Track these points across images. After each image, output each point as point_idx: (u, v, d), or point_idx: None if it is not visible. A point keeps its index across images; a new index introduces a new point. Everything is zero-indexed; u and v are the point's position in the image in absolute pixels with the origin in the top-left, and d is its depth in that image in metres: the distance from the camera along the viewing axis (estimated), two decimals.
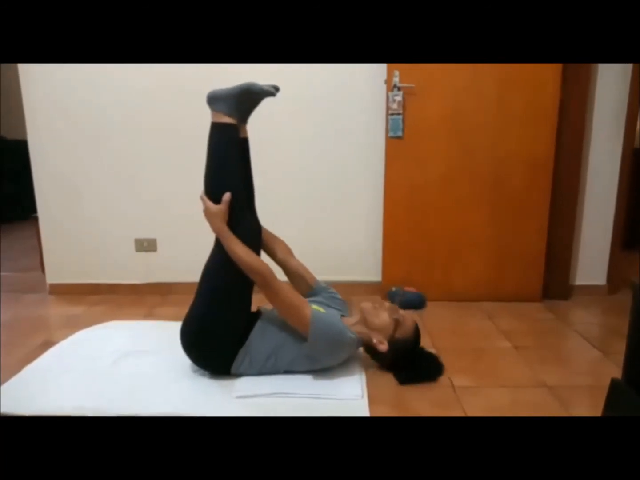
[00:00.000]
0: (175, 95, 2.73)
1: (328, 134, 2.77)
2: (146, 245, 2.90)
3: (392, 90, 2.53)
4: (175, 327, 1.85)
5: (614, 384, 1.23)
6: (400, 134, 2.59)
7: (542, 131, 2.59)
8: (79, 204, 2.86)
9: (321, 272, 2.68)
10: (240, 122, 1.84)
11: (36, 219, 2.92)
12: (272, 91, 1.80)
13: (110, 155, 2.81)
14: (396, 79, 2.52)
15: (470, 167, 2.64)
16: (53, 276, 2.95)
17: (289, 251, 2.12)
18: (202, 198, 1.77)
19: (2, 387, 1.75)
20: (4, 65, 5.08)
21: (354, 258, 2.89)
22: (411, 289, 2.67)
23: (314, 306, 1.86)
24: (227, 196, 1.72)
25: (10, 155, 4.90)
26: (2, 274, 3.24)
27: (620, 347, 1.26)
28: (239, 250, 1.70)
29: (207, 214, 1.75)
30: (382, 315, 1.86)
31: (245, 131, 1.91)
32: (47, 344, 2.15)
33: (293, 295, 1.76)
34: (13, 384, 1.78)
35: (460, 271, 2.75)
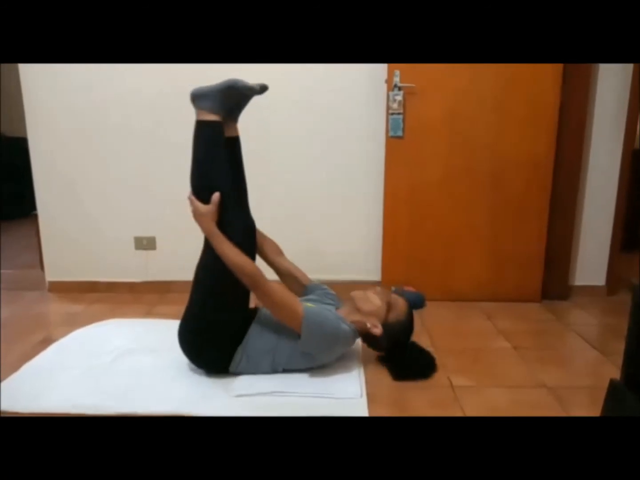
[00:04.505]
0: (175, 94, 2.72)
1: (328, 133, 2.77)
2: (145, 244, 2.90)
3: (392, 90, 2.53)
4: (175, 325, 1.85)
5: (612, 384, 1.23)
6: (400, 133, 2.59)
7: (542, 132, 2.59)
8: (79, 201, 2.86)
9: (321, 271, 2.68)
10: (227, 120, 1.80)
11: (36, 217, 2.92)
12: (257, 89, 1.74)
13: (110, 153, 2.81)
14: (397, 79, 2.52)
15: (470, 167, 2.64)
16: (52, 274, 2.95)
17: (279, 251, 2.10)
18: (189, 199, 1.73)
19: (1, 384, 1.75)
20: (4, 64, 5.08)
21: (354, 258, 2.89)
22: (410, 289, 2.67)
23: (307, 304, 1.85)
24: (216, 196, 1.68)
25: (11, 152, 4.89)
26: (2, 271, 3.24)
27: (619, 348, 1.26)
28: (227, 250, 1.67)
29: (196, 214, 1.71)
30: (373, 299, 1.85)
31: (235, 130, 1.87)
32: (47, 342, 2.15)
33: (284, 294, 1.74)
34: (12, 381, 1.78)
35: (460, 271, 2.75)
